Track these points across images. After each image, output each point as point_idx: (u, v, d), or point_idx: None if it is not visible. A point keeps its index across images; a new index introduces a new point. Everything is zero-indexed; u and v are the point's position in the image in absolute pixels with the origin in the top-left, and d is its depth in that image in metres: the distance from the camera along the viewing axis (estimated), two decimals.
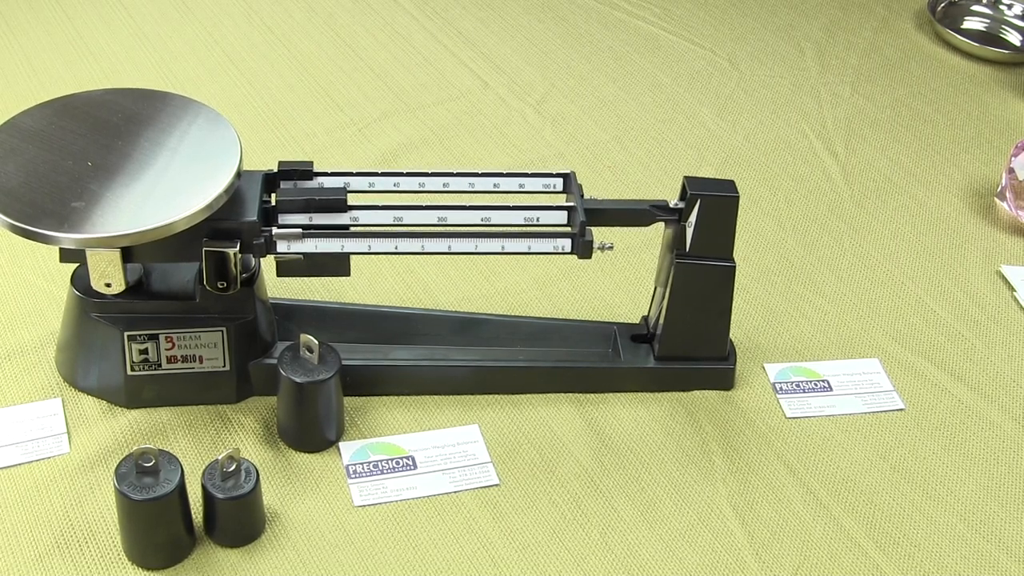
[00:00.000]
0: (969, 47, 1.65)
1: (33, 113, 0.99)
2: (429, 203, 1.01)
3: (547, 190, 1.05)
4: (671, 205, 1.03)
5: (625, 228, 1.04)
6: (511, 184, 1.04)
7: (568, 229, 1.01)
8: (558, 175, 1.05)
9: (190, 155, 0.97)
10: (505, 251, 1.00)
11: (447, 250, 0.99)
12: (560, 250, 1.00)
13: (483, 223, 1.01)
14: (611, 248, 1.01)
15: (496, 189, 1.04)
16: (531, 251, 1.00)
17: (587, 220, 1.00)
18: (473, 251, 0.99)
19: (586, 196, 1.03)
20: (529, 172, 1.05)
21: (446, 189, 1.03)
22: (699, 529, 0.98)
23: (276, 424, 1.02)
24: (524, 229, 1.01)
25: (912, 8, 1.76)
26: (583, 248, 1.00)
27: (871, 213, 1.36)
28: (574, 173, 1.05)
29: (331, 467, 1.00)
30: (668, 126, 1.47)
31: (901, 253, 1.30)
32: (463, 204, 1.01)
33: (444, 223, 1.00)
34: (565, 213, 1.02)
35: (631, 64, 1.59)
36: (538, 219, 1.02)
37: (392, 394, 1.07)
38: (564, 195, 1.05)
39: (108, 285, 0.94)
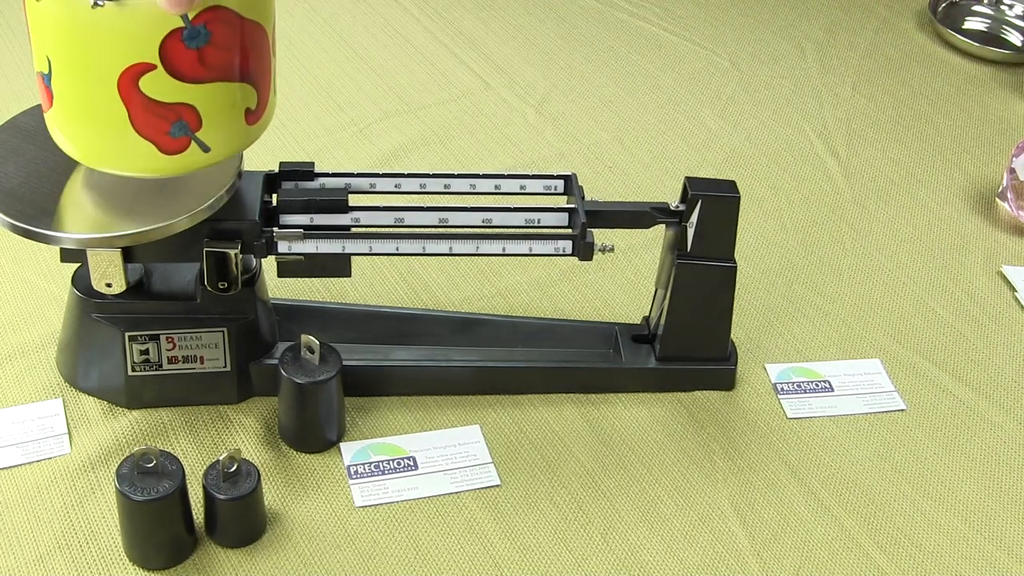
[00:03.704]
0: (970, 47, 1.65)
1: (33, 113, 0.99)
2: (430, 204, 1.01)
3: (548, 192, 1.05)
4: (672, 207, 1.03)
5: (626, 229, 1.04)
6: (512, 185, 1.04)
7: (569, 231, 1.01)
8: (559, 177, 1.05)
9: None
10: (506, 252, 1.00)
11: (448, 251, 0.99)
12: (561, 252, 1.00)
13: (484, 224, 1.01)
14: (612, 250, 1.01)
15: (497, 191, 1.04)
16: (532, 253, 1.00)
17: (588, 222, 1.00)
18: (474, 252, 0.99)
19: (587, 197, 1.03)
20: (530, 174, 1.05)
21: (447, 190, 1.03)
22: (700, 529, 0.98)
23: (277, 425, 1.03)
24: (525, 231, 1.01)
25: (913, 8, 1.76)
26: (584, 250, 1.00)
27: (872, 213, 1.36)
28: (575, 175, 1.05)
29: (332, 468, 1.01)
30: (669, 126, 1.47)
31: (902, 253, 1.30)
32: (464, 206, 1.01)
33: (445, 224, 1.01)
34: (566, 215, 1.02)
35: (632, 64, 1.59)
36: (539, 221, 1.02)
37: (393, 394, 1.07)
38: (565, 197, 1.05)
39: (109, 285, 0.94)
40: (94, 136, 0.87)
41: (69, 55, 0.83)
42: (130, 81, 0.82)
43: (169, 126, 0.85)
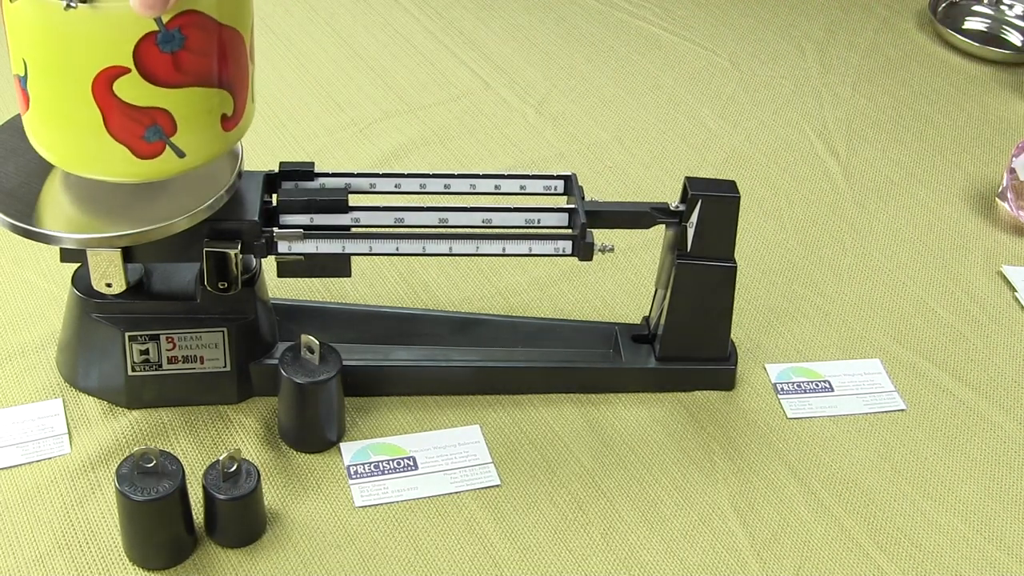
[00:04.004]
0: (970, 47, 1.65)
1: None
2: (430, 204, 1.01)
3: (548, 192, 1.05)
4: (672, 207, 1.03)
5: (626, 229, 1.04)
6: (512, 185, 1.04)
7: (569, 231, 1.01)
8: (559, 177, 1.05)
9: None
10: (506, 253, 1.00)
11: (448, 251, 0.99)
12: (561, 252, 1.00)
13: (484, 224, 1.01)
14: (612, 250, 1.01)
15: (497, 191, 1.04)
16: (532, 253, 1.00)
17: (588, 222, 1.00)
18: (474, 252, 1.00)
19: (587, 197, 1.03)
20: (530, 174, 1.05)
21: (447, 190, 1.03)
22: (700, 530, 0.98)
23: (277, 425, 1.03)
24: (525, 231, 1.01)
25: (913, 8, 1.76)
26: (584, 250, 1.00)
27: (872, 213, 1.36)
28: (575, 175, 1.05)
29: (332, 468, 1.01)
30: (669, 126, 1.47)
31: (902, 253, 1.30)
32: (464, 206, 1.01)
33: (445, 224, 1.01)
34: (566, 215, 1.02)
35: (632, 64, 1.59)
36: (539, 221, 1.02)
37: (393, 394, 1.07)
38: (565, 197, 1.05)
39: (109, 285, 0.94)
40: (69, 139, 0.86)
41: (44, 57, 0.82)
42: (104, 84, 0.82)
43: (144, 130, 0.84)
